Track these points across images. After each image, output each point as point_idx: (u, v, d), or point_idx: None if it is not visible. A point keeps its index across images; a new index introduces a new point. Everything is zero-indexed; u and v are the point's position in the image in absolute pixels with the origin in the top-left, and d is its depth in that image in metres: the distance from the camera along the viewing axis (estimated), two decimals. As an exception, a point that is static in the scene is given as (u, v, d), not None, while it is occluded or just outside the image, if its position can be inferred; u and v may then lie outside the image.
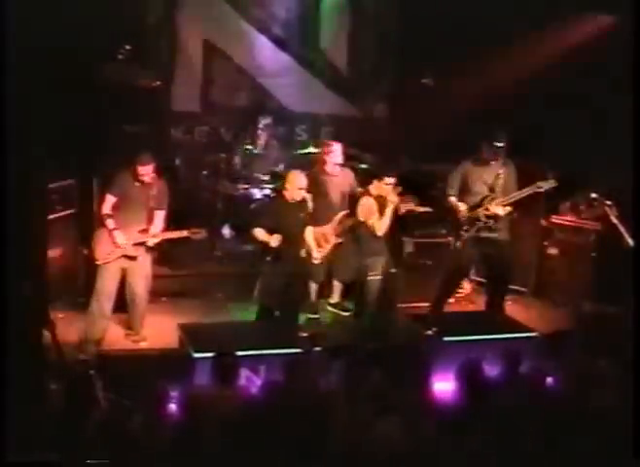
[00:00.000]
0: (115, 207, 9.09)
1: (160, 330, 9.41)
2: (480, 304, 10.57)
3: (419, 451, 5.94)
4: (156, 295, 9.81)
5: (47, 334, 8.01)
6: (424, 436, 6.08)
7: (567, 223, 11.22)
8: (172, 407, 6.39)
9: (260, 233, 8.89)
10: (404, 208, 10.44)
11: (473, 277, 10.99)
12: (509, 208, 9.78)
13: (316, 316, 10.02)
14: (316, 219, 9.50)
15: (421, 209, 10.79)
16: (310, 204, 9.25)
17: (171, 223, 9.37)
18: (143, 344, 9.35)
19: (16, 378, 6.42)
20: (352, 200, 9.78)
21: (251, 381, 7.33)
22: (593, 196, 10.59)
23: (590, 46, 11.36)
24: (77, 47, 10.01)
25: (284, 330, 8.88)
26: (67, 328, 9.16)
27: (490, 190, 9.82)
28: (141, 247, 9.11)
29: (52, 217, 9.54)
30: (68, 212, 10.11)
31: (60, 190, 10.00)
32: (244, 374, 7.21)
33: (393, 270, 10.04)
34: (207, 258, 11.12)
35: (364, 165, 11.56)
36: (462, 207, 9.81)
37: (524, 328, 9.10)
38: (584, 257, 11.02)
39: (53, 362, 7.92)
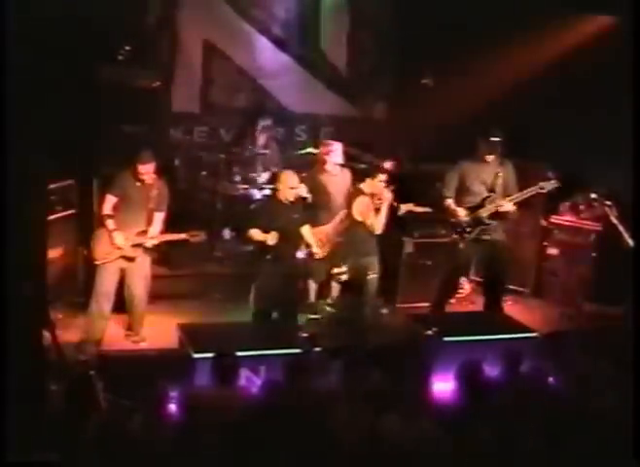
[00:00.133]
0: (115, 208, 9.09)
1: (159, 330, 9.41)
2: (480, 304, 10.57)
3: (419, 451, 5.93)
4: (155, 295, 9.80)
5: (46, 334, 8.01)
6: (424, 436, 6.08)
7: (567, 223, 11.23)
8: (172, 407, 6.40)
9: (256, 233, 8.92)
10: (404, 209, 10.45)
11: (473, 278, 10.99)
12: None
13: (316, 316, 10.00)
14: (317, 218, 9.51)
15: (421, 209, 10.81)
16: (310, 201, 9.29)
17: (171, 223, 9.38)
18: (143, 345, 9.35)
19: (16, 379, 6.42)
20: (347, 200, 9.74)
21: (251, 382, 7.34)
22: (593, 196, 10.60)
23: (590, 46, 11.37)
24: (77, 47, 9.99)
25: (284, 330, 8.89)
26: (67, 328, 9.17)
27: (490, 190, 9.82)
28: (140, 248, 9.11)
29: (52, 217, 9.52)
30: (68, 213, 10.10)
31: (60, 190, 9.99)
32: (244, 374, 7.21)
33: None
34: (207, 258, 11.13)
35: (364, 165, 11.54)
36: (461, 213, 9.81)
37: (524, 328, 9.11)
38: (583, 257, 11.03)
39: (53, 362, 7.93)
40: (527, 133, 11.41)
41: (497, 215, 9.87)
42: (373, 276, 9.58)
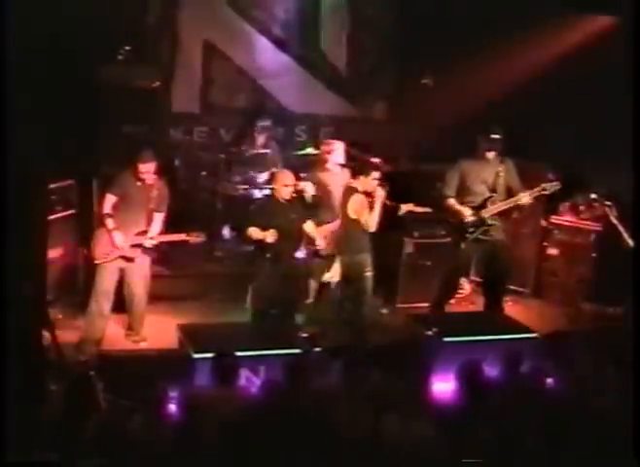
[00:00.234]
0: (114, 207, 9.09)
1: (160, 330, 9.41)
2: (480, 304, 10.56)
3: (419, 451, 5.93)
4: (155, 295, 9.80)
5: (46, 334, 8.01)
6: (424, 436, 6.08)
7: (567, 223, 11.23)
8: (172, 407, 6.39)
9: (254, 231, 8.93)
10: (404, 209, 10.44)
11: (473, 278, 10.99)
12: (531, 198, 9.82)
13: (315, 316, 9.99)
14: (318, 217, 9.51)
15: (421, 210, 10.80)
16: (309, 198, 9.30)
17: (171, 223, 9.38)
18: (143, 345, 9.35)
19: (16, 379, 6.42)
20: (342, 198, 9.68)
21: (250, 382, 7.34)
22: (593, 196, 10.60)
23: (590, 46, 11.37)
24: (77, 47, 10.00)
25: (283, 330, 8.88)
26: (67, 328, 9.17)
27: (492, 190, 9.82)
28: (139, 248, 9.10)
29: (52, 217, 9.52)
30: (68, 213, 10.10)
31: (60, 190, 9.99)
32: (244, 374, 7.21)
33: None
34: (207, 259, 11.12)
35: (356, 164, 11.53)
36: (467, 213, 9.80)
37: (524, 328, 9.10)
38: (583, 257, 11.03)
39: (53, 362, 7.93)
40: (527, 133, 11.40)
41: (498, 215, 9.86)
42: (368, 274, 9.55)
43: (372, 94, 13.24)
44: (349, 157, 10.49)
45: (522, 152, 10.23)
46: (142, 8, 11.89)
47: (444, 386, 7.28)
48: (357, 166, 9.65)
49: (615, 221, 9.88)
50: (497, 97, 11.62)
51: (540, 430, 6.12)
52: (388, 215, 9.84)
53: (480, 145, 9.78)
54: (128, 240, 9.03)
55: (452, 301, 10.51)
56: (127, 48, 11.09)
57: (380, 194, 9.31)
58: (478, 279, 10.90)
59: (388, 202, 9.55)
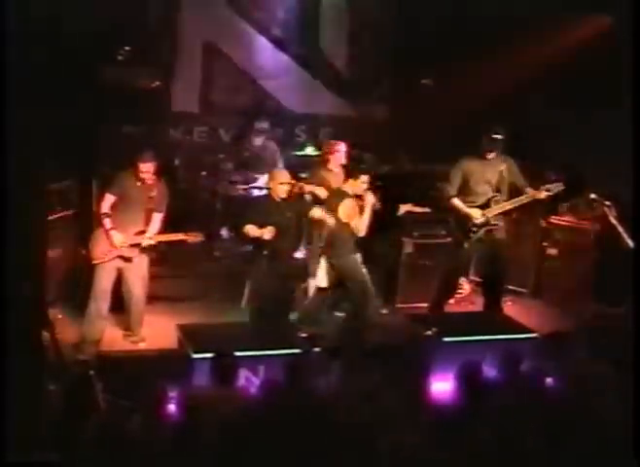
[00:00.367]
0: (113, 207, 9.07)
1: (159, 330, 9.41)
2: (479, 304, 10.57)
3: (418, 451, 5.93)
4: (154, 296, 9.80)
5: (46, 334, 8.01)
6: (423, 436, 6.08)
7: (566, 223, 11.22)
8: (171, 407, 6.39)
9: (251, 228, 8.94)
10: (403, 209, 10.44)
11: (472, 278, 10.99)
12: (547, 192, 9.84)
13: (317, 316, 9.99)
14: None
15: (420, 210, 10.80)
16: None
17: (170, 223, 9.37)
18: (142, 345, 9.34)
19: (15, 379, 6.42)
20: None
21: (250, 382, 7.33)
22: (592, 196, 10.58)
23: (590, 46, 11.36)
24: (77, 47, 10.00)
25: (283, 330, 8.89)
26: (66, 328, 9.17)
27: (496, 190, 9.82)
28: (137, 248, 9.10)
29: (51, 217, 9.52)
30: (67, 213, 10.10)
31: (60, 190, 9.99)
32: (243, 374, 7.21)
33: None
34: (206, 259, 11.13)
35: (363, 166, 11.54)
36: (476, 213, 9.79)
37: (524, 328, 9.08)
38: (583, 257, 11.02)
39: (53, 362, 7.92)
40: (527, 133, 11.40)
41: (501, 214, 9.88)
42: (364, 271, 9.50)
43: (371, 94, 13.26)
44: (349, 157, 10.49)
45: (522, 152, 10.23)
46: (142, 8, 11.90)
47: (443, 386, 7.27)
48: (348, 169, 9.61)
49: (614, 221, 9.87)
50: (496, 97, 11.62)
51: (540, 430, 6.11)
52: (386, 215, 9.85)
53: (482, 145, 9.76)
54: (127, 240, 9.02)
55: (452, 301, 10.50)
56: (128, 48, 11.11)
57: (371, 199, 9.27)
58: (477, 279, 10.91)
59: (379, 206, 9.51)
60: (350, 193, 9.29)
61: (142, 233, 9.07)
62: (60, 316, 9.45)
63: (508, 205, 9.86)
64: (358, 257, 9.56)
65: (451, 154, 10.35)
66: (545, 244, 11.36)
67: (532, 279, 11.38)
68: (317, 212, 9.06)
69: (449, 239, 10.47)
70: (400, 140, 12.37)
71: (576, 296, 10.81)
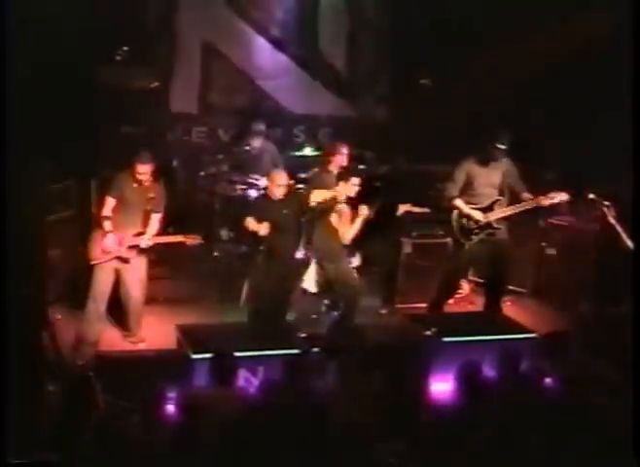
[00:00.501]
0: (112, 209, 9.07)
1: (158, 331, 9.41)
2: (478, 304, 10.57)
3: (418, 452, 5.93)
4: (153, 296, 9.80)
5: (45, 335, 8.01)
6: (423, 436, 6.08)
7: (565, 224, 11.22)
8: (170, 407, 6.39)
9: (251, 221, 8.98)
10: (402, 209, 10.43)
11: (471, 278, 10.99)
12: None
13: (314, 316, 10.00)
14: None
15: (419, 210, 10.80)
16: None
17: (169, 224, 9.37)
18: (141, 346, 9.34)
19: (15, 379, 6.42)
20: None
21: (249, 382, 7.33)
22: (591, 196, 10.58)
23: (590, 46, 11.36)
24: (76, 48, 10.00)
25: (282, 331, 8.89)
26: (65, 329, 9.16)
27: (499, 193, 9.82)
28: (135, 250, 9.08)
29: (50, 218, 9.52)
30: (66, 213, 10.09)
31: (59, 191, 9.99)
32: (242, 374, 7.20)
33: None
34: (205, 259, 11.12)
35: (362, 166, 11.54)
36: (479, 216, 9.79)
37: (523, 329, 9.08)
38: (582, 258, 11.02)
39: (52, 363, 7.92)
40: (526, 133, 11.40)
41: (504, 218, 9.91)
42: (355, 276, 9.49)
43: (370, 95, 13.26)
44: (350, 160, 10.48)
45: (521, 152, 10.22)
46: (141, 9, 11.89)
47: (442, 386, 7.27)
48: (340, 172, 9.57)
49: (613, 221, 9.86)
50: (495, 98, 11.62)
51: (540, 430, 6.12)
52: (385, 216, 9.85)
53: (488, 153, 9.74)
54: (125, 241, 9.01)
55: (451, 301, 10.50)
56: (126, 48, 11.10)
57: (364, 211, 9.22)
58: (476, 279, 10.91)
59: (372, 216, 9.46)
60: (342, 195, 9.23)
61: (141, 234, 9.07)
62: (59, 317, 9.44)
63: (510, 210, 9.86)
64: (355, 260, 9.57)
65: (450, 154, 10.35)
66: (544, 244, 11.37)
67: (531, 279, 11.38)
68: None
69: (448, 240, 10.47)
70: (398, 140, 12.36)
71: (575, 296, 10.82)
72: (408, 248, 10.84)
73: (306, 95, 12.93)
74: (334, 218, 9.20)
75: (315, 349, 8.14)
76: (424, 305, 10.25)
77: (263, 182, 11.29)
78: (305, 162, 11.24)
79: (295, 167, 10.47)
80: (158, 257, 9.93)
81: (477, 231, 9.84)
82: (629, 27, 9.11)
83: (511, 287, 10.75)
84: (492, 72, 11.89)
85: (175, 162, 12.07)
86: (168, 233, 9.32)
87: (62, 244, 9.99)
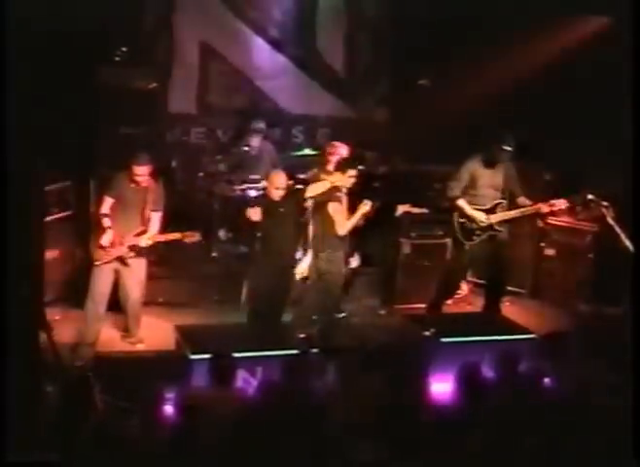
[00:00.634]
0: (112, 209, 9.06)
1: (157, 332, 9.41)
2: (477, 305, 10.57)
3: (418, 452, 5.93)
4: (152, 297, 9.79)
5: (43, 335, 7.99)
6: (422, 436, 6.08)
7: (564, 224, 11.22)
8: (169, 408, 6.38)
9: (253, 212, 9.07)
10: (401, 210, 10.43)
11: (470, 278, 10.99)
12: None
13: (314, 317, 9.98)
14: None
15: (417, 210, 10.79)
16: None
17: (168, 224, 9.36)
18: (140, 346, 9.34)
19: (15, 379, 6.41)
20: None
21: (248, 383, 7.32)
22: (590, 197, 10.57)
23: (590, 46, 11.37)
24: (74, 48, 9.99)
25: (281, 331, 8.88)
26: (64, 329, 9.16)
27: (502, 195, 9.82)
28: (135, 250, 9.07)
29: (49, 219, 9.51)
30: (65, 214, 10.09)
31: (57, 191, 9.98)
32: (241, 375, 7.20)
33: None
34: (204, 260, 11.12)
35: (361, 167, 11.52)
36: (481, 217, 9.78)
37: (522, 329, 9.09)
38: (581, 258, 11.04)
39: (52, 363, 7.92)
40: (526, 133, 11.39)
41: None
42: (343, 271, 9.47)
43: (368, 95, 13.25)
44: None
45: (520, 152, 10.21)
46: (139, 9, 11.89)
47: (441, 387, 7.26)
48: (339, 164, 9.55)
49: (611, 221, 9.86)
50: (495, 98, 11.61)
51: (540, 430, 6.11)
52: (384, 216, 9.84)
53: (493, 155, 9.73)
54: (126, 241, 9.00)
55: (450, 301, 10.50)
56: (124, 49, 11.09)
57: (366, 207, 9.18)
58: (475, 280, 10.92)
59: (371, 213, 9.44)
60: (339, 185, 9.20)
61: (142, 233, 9.05)
62: (58, 317, 9.44)
63: (511, 214, 9.86)
64: (354, 261, 9.57)
65: (449, 155, 10.34)
66: (542, 245, 11.37)
67: (530, 280, 11.38)
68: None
69: (447, 240, 10.47)
70: (397, 141, 12.36)
71: (574, 296, 10.83)
72: (406, 249, 10.84)
73: (305, 96, 12.92)
74: (330, 208, 9.18)
75: (314, 350, 8.16)
76: (423, 305, 10.26)
77: (262, 183, 11.33)
78: (304, 163, 11.22)
79: (293, 168, 10.44)
80: (156, 258, 9.93)
81: (478, 232, 9.84)
82: (629, 27, 9.10)
83: (510, 287, 10.76)
84: (490, 72, 11.89)
85: (174, 163, 12.05)
86: (167, 233, 9.30)
87: (61, 245, 9.98)
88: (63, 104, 9.54)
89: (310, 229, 9.36)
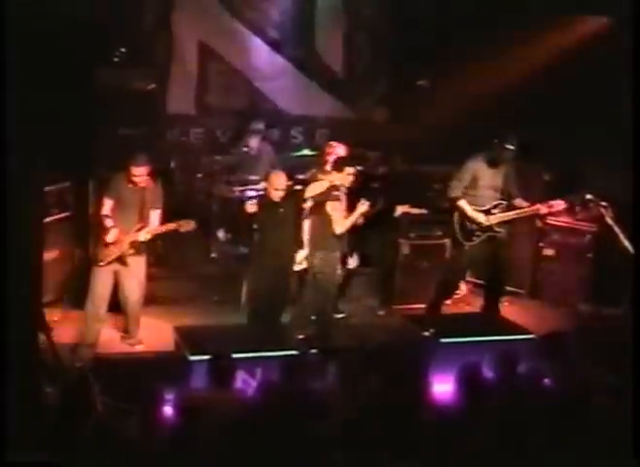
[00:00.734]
0: (111, 210, 9.05)
1: (156, 333, 9.40)
2: (476, 305, 10.57)
3: (418, 452, 5.93)
4: (152, 298, 9.79)
5: (43, 336, 7.99)
6: (422, 436, 6.08)
7: (563, 224, 11.22)
8: (168, 409, 6.38)
9: (251, 206, 9.08)
10: (400, 210, 10.43)
11: (469, 279, 10.99)
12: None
13: (313, 317, 9.98)
14: None
15: (416, 211, 10.80)
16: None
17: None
18: (139, 348, 9.33)
19: (15, 379, 6.41)
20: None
21: (247, 384, 7.32)
22: (589, 197, 10.58)
23: (590, 46, 11.37)
24: (73, 49, 9.97)
25: (280, 332, 8.88)
26: (63, 330, 9.15)
27: (502, 196, 9.83)
28: (135, 246, 9.05)
29: (48, 220, 9.51)
30: (64, 215, 10.09)
31: (56, 192, 9.98)
32: (240, 376, 7.20)
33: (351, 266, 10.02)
34: (203, 260, 11.12)
35: (360, 167, 11.52)
36: (481, 218, 9.78)
37: (521, 329, 9.09)
38: (580, 258, 11.04)
39: (52, 364, 7.92)
40: (525, 133, 11.40)
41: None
42: (338, 272, 9.47)
43: (367, 96, 13.26)
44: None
45: (520, 152, 10.22)
46: (138, 10, 11.89)
47: (441, 387, 7.26)
48: (335, 162, 9.54)
49: (610, 221, 9.86)
50: (494, 97, 11.62)
51: (540, 430, 6.11)
52: (383, 217, 9.84)
53: (495, 154, 9.72)
54: (126, 238, 8.98)
55: (449, 301, 10.50)
56: (123, 50, 11.10)
57: (363, 207, 9.18)
58: (474, 280, 10.92)
59: (370, 213, 9.43)
60: (337, 184, 9.19)
61: (141, 229, 9.02)
62: (57, 318, 9.43)
63: (511, 215, 9.86)
64: (353, 261, 9.57)
65: (448, 155, 10.34)
66: (541, 245, 11.37)
67: (529, 280, 11.39)
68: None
69: (446, 241, 10.47)
70: (396, 141, 12.37)
71: (573, 296, 10.83)
72: (405, 249, 10.84)
73: (304, 96, 12.94)
74: (329, 207, 9.18)
75: (313, 350, 8.16)
76: (422, 305, 10.25)
77: (260, 184, 11.33)
78: (303, 164, 11.22)
79: (292, 169, 10.44)
80: (156, 258, 9.93)
81: (478, 232, 9.84)
82: (629, 27, 9.12)
83: (509, 288, 10.76)
84: (490, 72, 11.89)
85: (173, 164, 12.06)
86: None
87: (60, 246, 9.98)
88: (62, 105, 9.54)
89: (306, 227, 9.38)
